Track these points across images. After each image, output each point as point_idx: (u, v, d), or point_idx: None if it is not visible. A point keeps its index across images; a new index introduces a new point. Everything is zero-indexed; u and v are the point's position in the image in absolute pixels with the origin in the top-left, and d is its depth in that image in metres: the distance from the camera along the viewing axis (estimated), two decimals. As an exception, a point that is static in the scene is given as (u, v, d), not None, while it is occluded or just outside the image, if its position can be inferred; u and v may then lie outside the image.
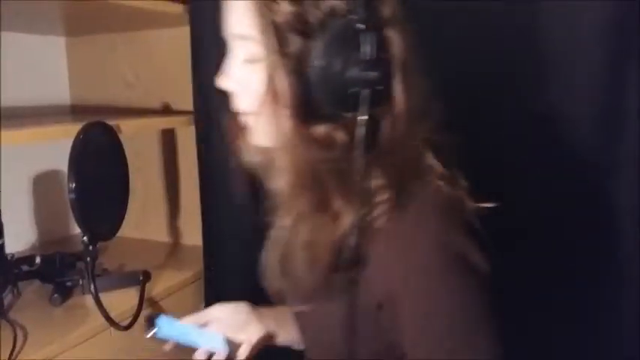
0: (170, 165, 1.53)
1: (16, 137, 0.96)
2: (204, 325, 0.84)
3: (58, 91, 1.60)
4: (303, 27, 0.58)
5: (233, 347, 0.80)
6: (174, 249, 1.52)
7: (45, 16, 1.28)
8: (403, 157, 0.63)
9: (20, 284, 1.15)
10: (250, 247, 1.19)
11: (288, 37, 0.59)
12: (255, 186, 1.13)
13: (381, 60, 0.57)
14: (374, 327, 0.67)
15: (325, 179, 0.62)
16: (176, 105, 1.48)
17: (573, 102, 0.99)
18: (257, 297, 1.23)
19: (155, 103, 1.50)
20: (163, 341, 0.83)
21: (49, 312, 1.08)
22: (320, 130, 0.62)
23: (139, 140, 1.53)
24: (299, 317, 0.84)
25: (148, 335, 0.81)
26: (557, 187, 1.01)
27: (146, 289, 1.15)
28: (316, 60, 0.58)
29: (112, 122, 1.12)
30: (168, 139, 1.52)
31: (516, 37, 1.01)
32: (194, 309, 1.27)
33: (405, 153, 0.63)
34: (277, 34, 0.59)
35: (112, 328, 1.03)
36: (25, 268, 1.19)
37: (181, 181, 1.52)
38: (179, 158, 1.51)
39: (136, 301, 1.10)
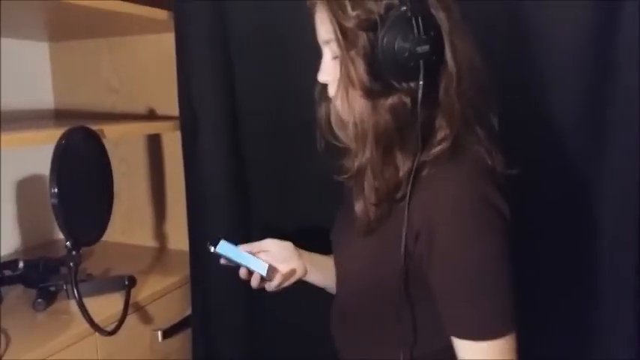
0: (156, 170, 1.53)
1: (-3, 142, 0.96)
2: (255, 252, 1.01)
3: (42, 95, 1.60)
4: (367, 24, 0.74)
5: (272, 275, 0.99)
6: (161, 253, 1.52)
7: (29, 21, 1.28)
8: (458, 113, 0.77)
9: (3, 289, 1.15)
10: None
11: (356, 34, 0.75)
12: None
13: (431, 36, 0.73)
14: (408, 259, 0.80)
15: (392, 138, 0.79)
16: (161, 110, 1.48)
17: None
18: (244, 300, 1.27)
19: (140, 108, 1.50)
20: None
21: (32, 317, 1.08)
22: (391, 100, 0.77)
23: (124, 145, 1.53)
24: (338, 246, 0.99)
25: (211, 250, 0.97)
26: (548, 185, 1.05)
27: (132, 293, 1.15)
28: (381, 46, 0.73)
29: (96, 127, 1.12)
30: (154, 144, 1.52)
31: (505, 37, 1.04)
32: (180, 313, 1.29)
33: (459, 109, 0.77)
34: (347, 34, 0.75)
35: (97, 334, 1.03)
36: (7, 273, 1.18)
37: (167, 186, 1.52)
38: (165, 163, 1.51)
39: (121, 306, 1.10)
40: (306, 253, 1.04)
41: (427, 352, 0.84)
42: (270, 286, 1.00)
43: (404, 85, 0.75)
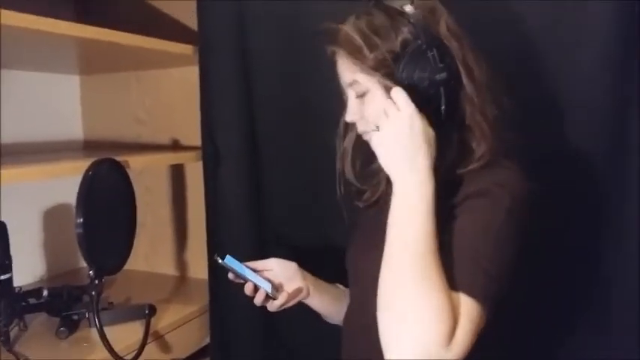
0: (178, 199, 1.56)
1: (26, 174, 1.00)
2: (259, 271, 1.03)
3: (72, 127, 1.65)
4: (386, 63, 0.81)
5: (276, 294, 1.01)
6: (181, 282, 1.54)
7: (61, 56, 1.33)
8: (488, 131, 0.83)
9: (27, 317, 1.17)
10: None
11: (378, 73, 0.81)
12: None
13: (447, 64, 0.79)
14: None
15: None
16: (185, 141, 1.51)
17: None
18: (262, 330, 1.27)
19: (165, 139, 1.54)
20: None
21: (55, 345, 1.10)
22: None
23: (148, 175, 1.56)
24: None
25: (219, 262, 0.99)
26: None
27: (152, 322, 1.16)
28: (402, 79, 0.80)
29: (121, 158, 1.15)
30: (177, 174, 1.55)
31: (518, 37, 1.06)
32: (198, 343, 1.30)
33: (488, 127, 0.83)
34: (371, 75, 0.82)
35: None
36: (32, 301, 1.20)
37: (189, 215, 1.55)
38: (187, 193, 1.54)
39: (141, 334, 1.11)
40: (310, 276, 1.06)
41: None
42: (273, 305, 1.01)
43: (427, 110, 0.79)
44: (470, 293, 0.72)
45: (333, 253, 1.10)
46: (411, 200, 0.75)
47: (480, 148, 0.83)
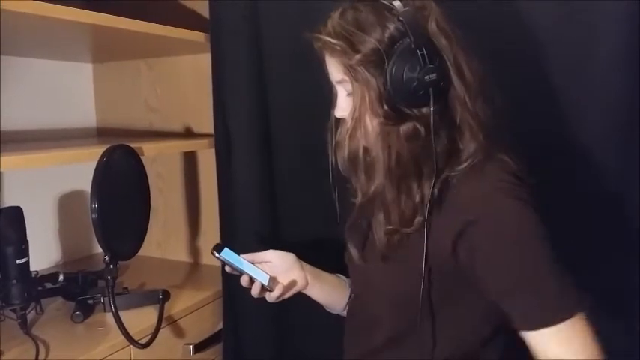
0: (191, 186, 1.57)
1: (42, 160, 1.01)
2: (257, 263, 1.03)
3: (85, 114, 1.66)
4: (373, 61, 0.79)
5: (273, 285, 1.00)
6: (194, 268, 1.55)
7: (74, 44, 1.34)
8: (477, 130, 0.81)
9: (43, 301, 1.19)
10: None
11: (365, 71, 0.80)
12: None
13: (436, 63, 0.78)
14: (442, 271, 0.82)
15: (406, 167, 0.82)
16: (197, 128, 1.52)
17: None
18: (274, 315, 1.28)
19: (177, 127, 1.54)
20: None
21: (70, 328, 1.12)
22: (406, 127, 0.81)
23: (161, 162, 1.57)
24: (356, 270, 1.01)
25: (215, 255, 0.99)
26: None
27: (165, 307, 1.17)
28: (390, 78, 0.78)
29: (134, 145, 1.16)
30: (190, 161, 1.56)
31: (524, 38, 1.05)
32: (212, 328, 1.31)
33: (477, 126, 0.81)
34: (357, 73, 0.81)
35: (131, 346, 1.06)
36: (48, 285, 1.22)
37: (202, 202, 1.55)
38: (200, 180, 1.55)
39: (155, 319, 1.13)
40: (309, 267, 1.06)
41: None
42: (271, 296, 1.01)
43: (415, 111, 0.80)
44: (564, 315, 0.74)
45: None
46: None
47: (468, 148, 0.82)
